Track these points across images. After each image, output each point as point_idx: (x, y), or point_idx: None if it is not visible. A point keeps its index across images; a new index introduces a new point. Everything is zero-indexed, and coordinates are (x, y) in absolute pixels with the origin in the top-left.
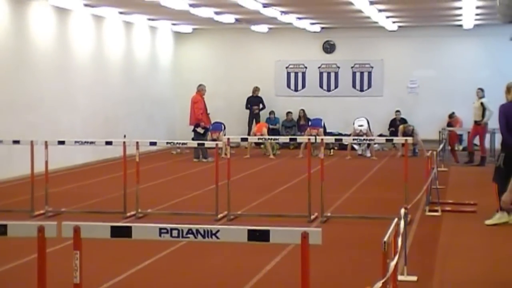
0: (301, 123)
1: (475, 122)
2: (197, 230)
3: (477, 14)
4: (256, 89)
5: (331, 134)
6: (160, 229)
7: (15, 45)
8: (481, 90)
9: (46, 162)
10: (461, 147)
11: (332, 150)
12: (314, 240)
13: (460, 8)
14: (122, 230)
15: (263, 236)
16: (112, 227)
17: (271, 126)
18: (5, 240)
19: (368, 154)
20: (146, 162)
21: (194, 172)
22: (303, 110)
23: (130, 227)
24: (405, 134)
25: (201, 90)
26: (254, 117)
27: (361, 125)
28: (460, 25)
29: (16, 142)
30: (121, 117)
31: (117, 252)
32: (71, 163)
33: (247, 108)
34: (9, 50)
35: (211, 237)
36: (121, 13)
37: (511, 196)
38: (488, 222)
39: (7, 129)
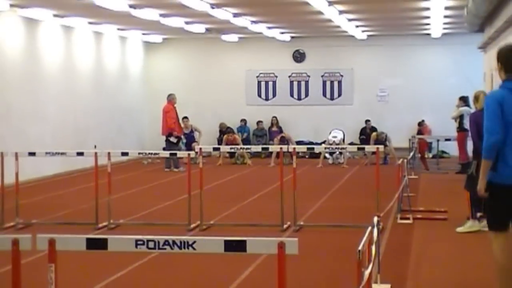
0: (273, 129)
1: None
2: (174, 241)
3: (445, 23)
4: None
5: (302, 143)
6: (136, 240)
7: None
8: (464, 99)
9: (17, 174)
10: (430, 155)
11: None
12: (291, 250)
13: (428, 17)
14: (98, 242)
15: (239, 246)
16: (87, 239)
17: (242, 135)
18: None
19: (341, 160)
20: (117, 172)
21: (166, 182)
22: (276, 117)
23: (106, 239)
24: (377, 142)
25: (172, 99)
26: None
27: (335, 137)
28: (429, 34)
29: None
30: (90, 128)
31: (90, 263)
32: (40, 174)
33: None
34: None
35: (188, 248)
36: (90, 23)
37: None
38: (459, 229)
39: None
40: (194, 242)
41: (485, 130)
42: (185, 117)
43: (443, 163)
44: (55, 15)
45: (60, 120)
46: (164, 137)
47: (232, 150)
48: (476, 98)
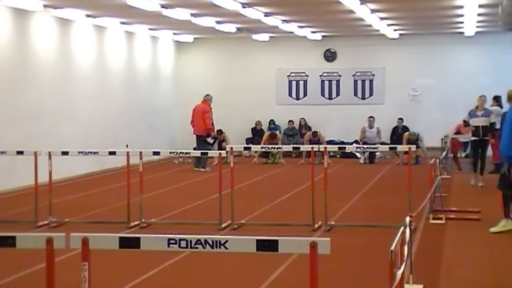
0: (303, 131)
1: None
2: (206, 241)
3: (478, 22)
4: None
5: (332, 142)
6: (169, 239)
7: (17, 57)
8: (496, 98)
9: (50, 173)
10: (463, 154)
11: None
12: (323, 250)
13: (462, 15)
14: (130, 241)
15: (271, 246)
16: (120, 238)
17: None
18: (11, 249)
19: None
20: (148, 171)
21: (196, 181)
22: (304, 119)
23: (138, 238)
24: (409, 142)
25: (209, 99)
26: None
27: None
28: (462, 33)
29: (19, 152)
30: (122, 127)
31: (122, 262)
32: (73, 174)
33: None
34: (11, 62)
35: (220, 247)
36: (122, 23)
37: None
38: (493, 229)
39: (8, 140)
40: (226, 241)
41: None
42: (220, 131)
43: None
44: (87, 15)
45: (92, 120)
46: (194, 136)
47: (263, 150)
48: (510, 97)
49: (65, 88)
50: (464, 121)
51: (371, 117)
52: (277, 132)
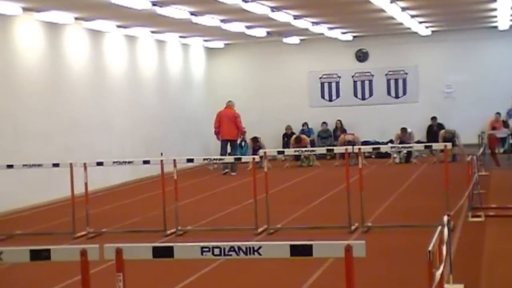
0: (338, 134)
1: None
2: (239, 247)
3: None
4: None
5: (367, 143)
6: (202, 247)
7: (50, 70)
8: None
9: (86, 184)
10: (501, 150)
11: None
12: (358, 253)
13: (495, 9)
14: (164, 250)
15: (305, 250)
16: (154, 247)
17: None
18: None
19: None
20: (183, 179)
21: (232, 186)
22: (340, 121)
23: (171, 247)
24: (446, 139)
25: (232, 105)
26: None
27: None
28: (495, 27)
29: (55, 165)
30: (156, 136)
31: (157, 271)
32: (109, 184)
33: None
34: (45, 75)
35: (253, 253)
36: (153, 32)
37: None
38: None
39: (44, 153)
40: (260, 247)
41: None
42: (256, 138)
43: None
44: (118, 26)
45: (126, 130)
46: (219, 141)
47: (297, 153)
48: None
49: (99, 99)
50: (504, 122)
51: (403, 129)
52: (303, 136)
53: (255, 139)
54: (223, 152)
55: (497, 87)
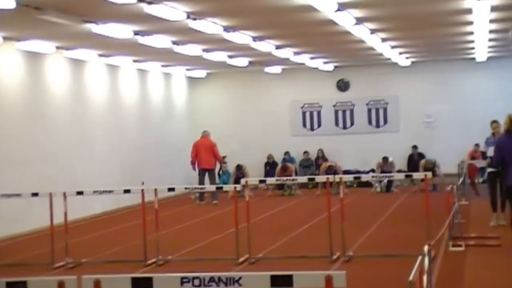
0: (320, 162)
1: None
2: (219, 278)
3: (489, 47)
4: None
5: (349, 172)
6: (182, 278)
7: (31, 98)
8: None
9: (65, 213)
10: (481, 180)
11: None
12: (339, 283)
13: (473, 41)
14: (143, 281)
15: (286, 281)
16: (132, 278)
17: None
18: None
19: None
20: (165, 208)
21: (213, 216)
22: (322, 150)
23: (151, 278)
24: (426, 169)
25: (208, 135)
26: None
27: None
28: (473, 58)
29: (34, 194)
30: (138, 164)
31: None
32: (89, 213)
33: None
34: (25, 104)
35: (233, 284)
36: (135, 61)
37: None
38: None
39: (23, 182)
40: (240, 278)
41: None
42: (240, 166)
43: None
44: (100, 55)
45: (107, 158)
46: (196, 171)
47: (278, 182)
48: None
49: (80, 128)
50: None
51: (384, 158)
52: (289, 164)
53: (239, 167)
54: (201, 182)
55: (476, 116)
